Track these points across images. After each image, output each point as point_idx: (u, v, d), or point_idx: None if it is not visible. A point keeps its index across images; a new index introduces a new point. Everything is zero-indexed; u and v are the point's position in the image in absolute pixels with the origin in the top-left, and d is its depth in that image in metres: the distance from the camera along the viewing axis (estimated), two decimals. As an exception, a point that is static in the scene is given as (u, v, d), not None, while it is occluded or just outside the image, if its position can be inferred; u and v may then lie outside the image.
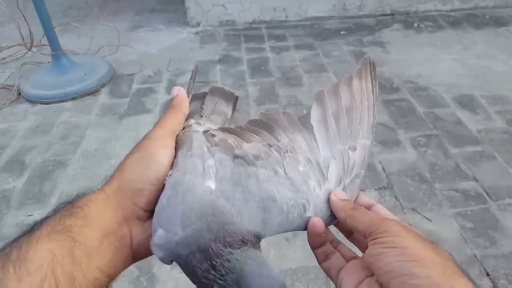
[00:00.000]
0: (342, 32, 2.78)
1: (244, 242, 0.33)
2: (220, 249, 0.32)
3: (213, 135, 0.40)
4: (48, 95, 2.14)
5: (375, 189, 1.50)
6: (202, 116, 0.45)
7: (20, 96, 2.22)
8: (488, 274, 1.19)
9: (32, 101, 2.16)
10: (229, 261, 0.31)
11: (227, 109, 0.48)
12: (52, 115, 2.05)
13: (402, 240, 0.31)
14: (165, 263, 0.34)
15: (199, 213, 0.33)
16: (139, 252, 0.35)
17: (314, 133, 0.43)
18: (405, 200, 1.45)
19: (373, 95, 0.46)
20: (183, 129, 0.42)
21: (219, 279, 0.31)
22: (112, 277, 0.32)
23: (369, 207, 0.39)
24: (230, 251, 0.32)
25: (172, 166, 0.36)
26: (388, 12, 2.96)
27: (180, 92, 0.43)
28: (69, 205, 0.32)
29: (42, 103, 2.14)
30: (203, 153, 0.37)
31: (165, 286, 1.18)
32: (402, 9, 2.97)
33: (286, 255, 1.24)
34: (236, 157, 0.37)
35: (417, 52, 2.46)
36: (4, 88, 2.28)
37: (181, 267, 0.33)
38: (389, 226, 0.33)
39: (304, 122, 0.44)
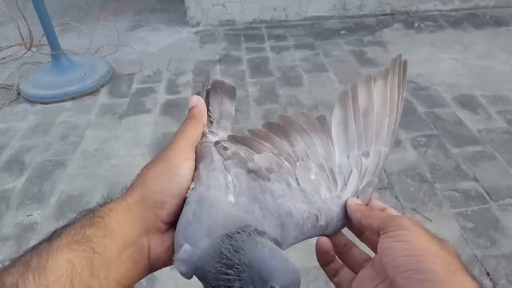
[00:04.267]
0: (342, 32, 2.78)
1: (257, 233, 0.33)
2: (229, 236, 0.32)
3: (225, 148, 0.39)
4: (48, 95, 2.14)
5: (375, 189, 1.49)
6: (212, 123, 0.44)
7: (20, 96, 2.21)
8: (488, 274, 1.19)
9: (32, 101, 2.16)
10: (236, 241, 0.31)
11: (232, 108, 0.47)
12: (52, 115, 2.04)
13: (410, 234, 0.32)
14: (186, 278, 0.34)
15: (224, 226, 0.33)
16: (155, 264, 0.35)
17: (332, 136, 0.42)
18: (405, 200, 1.44)
19: (398, 99, 0.44)
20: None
21: (226, 266, 0.30)
22: None
23: (381, 210, 0.40)
24: (237, 231, 0.32)
25: (193, 179, 0.36)
26: (389, 11, 2.96)
27: (200, 101, 0.42)
28: (90, 214, 0.32)
29: (41, 103, 2.14)
30: (224, 167, 0.37)
31: (165, 287, 1.18)
32: (402, 9, 2.96)
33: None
34: (249, 171, 0.37)
35: (418, 52, 2.46)
36: (4, 88, 2.27)
37: (200, 280, 0.33)
38: (400, 221, 0.33)
39: (322, 123, 0.43)
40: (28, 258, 0.28)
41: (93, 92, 2.20)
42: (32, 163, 1.72)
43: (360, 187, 0.41)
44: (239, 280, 0.30)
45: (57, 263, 0.27)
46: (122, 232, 0.32)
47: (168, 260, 0.35)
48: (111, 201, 0.34)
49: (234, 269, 0.30)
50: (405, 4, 2.95)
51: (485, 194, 1.45)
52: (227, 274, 0.30)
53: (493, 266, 1.21)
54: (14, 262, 0.28)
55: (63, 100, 2.14)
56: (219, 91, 0.46)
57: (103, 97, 2.18)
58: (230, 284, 0.30)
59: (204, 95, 0.45)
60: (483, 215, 1.37)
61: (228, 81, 0.47)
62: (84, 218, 0.32)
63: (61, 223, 1.42)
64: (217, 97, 0.46)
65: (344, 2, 2.90)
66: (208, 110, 0.44)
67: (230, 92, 0.47)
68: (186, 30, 2.89)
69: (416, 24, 2.83)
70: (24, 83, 2.25)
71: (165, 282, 1.19)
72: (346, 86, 0.45)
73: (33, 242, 1.36)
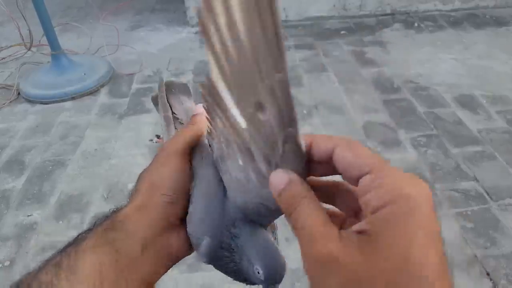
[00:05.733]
0: (342, 32, 2.78)
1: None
2: (232, 225, 0.34)
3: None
4: (48, 95, 2.14)
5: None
6: (181, 123, 0.45)
7: (20, 96, 2.21)
8: (488, 274, 1.19)
9: (32, 101, 2.16)
10: (235, 227, 0.34)
11: (192, 103, 0.48)
12: (52, 115, 2.04)
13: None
14: (207, 264, 0.37)
15: (225, 216, 0.35)
16: (177, 256, 0.37)
17: None
18: (405, 200, 1.44)
19: None
20: None
21: (226, 250, 0.34)
22: (152, 284, 0.35)
23: (329, 155, 0.27)
24: (238, 220, 0.34)
25: (192, 176, 0.38)
26: (389, 11, 2.96)
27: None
28: (108, 219, 0.35)
29: (41, 103, 2.14)
30: (214, 160, 0.38)
31: (165, 286, 1.18)
32: (402, 9, 2.96)
33: (286, 255, 1.23)
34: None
35: (418, 52, 2.46)
36: (4, 88, 2.27)
37: (214, 265, 0.36)
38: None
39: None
40: (59, 259, 0.30)
41: (93, 92, 2.20)
42: (32, 163, 1.72)
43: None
44: (233, 261, 0.33)
45: (85, 263, 0.30)
46: (141, 233, 0.34)
47: (187, 250, 0.37)
48: (122, 207, 0.36)
49: (230, 252, 0.33)
50: (405, 4, 2.95)
51: (485, 194, 1.45)
52: (225, 256, 0.34)
53: (493, 266, 1.21)
54: (47, 263, 0.30)
55: (63, 100, 2.14)
56: (174, 91, 0.48)
57: (103, 97, 2.18)
58: (227, 266, 0.34)
59: (165, 98, 0.46)
60: (483, 215, 1.37)
61: (177, 80, 0.49)
62: (104, 222, 0.34)
63: (61, 223, 1.42)
64: (175, 97, 0.48)
65: (344, 2, 2.90)
66: (172, 112, 0.45)
67: (184, 90, 0.49)
68: (186, 30, 2.89)
69: (416, 24, 2.83)
70: (24, 83, 2.25)
71: (165, 281, 1.19)
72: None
73: (33, 242, 1.36)
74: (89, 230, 0.34)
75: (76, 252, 0.31)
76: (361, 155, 0.26)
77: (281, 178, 0.27)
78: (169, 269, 0.37)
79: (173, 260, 0.37)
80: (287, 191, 0.26)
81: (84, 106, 2.11)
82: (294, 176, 0.27)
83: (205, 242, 0.35)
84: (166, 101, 0.46)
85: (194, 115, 0.42)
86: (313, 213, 0.25)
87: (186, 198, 0.37)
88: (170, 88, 0.47)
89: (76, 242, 0.32)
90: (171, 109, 0.45)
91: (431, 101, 2.00)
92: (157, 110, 0.49)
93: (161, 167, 0.38)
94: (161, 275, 0.36)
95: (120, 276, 0.31)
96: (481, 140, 1.72)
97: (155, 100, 0.49)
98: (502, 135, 1.75)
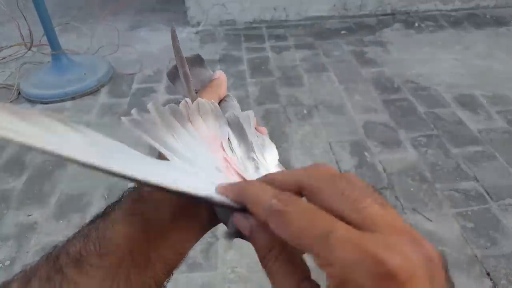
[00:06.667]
0: (342, 32, 2.78)
1: None
2: None
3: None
4: (48, 95, 2.14)
5: (375, 189, 1.49)
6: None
7: (20, 96, 2.21)
8: (488, 274, 1.19)
9: (32, 100, 2.16)
10: None
11: (210, 73, 0.46)
12: (52, 115, 2.04)
13: None
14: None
15: None
16: (206, 227, 0.36)
17: None
18: (405, 200, 1.44)
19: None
20: None
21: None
22: (183, 255, 0.34)
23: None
24: None
25: None
26: (389, 11, 2.96)
27: (222, 75, 0.43)
28: (135, 191, 0.34)
29: (42, 102, 2.14)
30: None
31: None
32: (402, 9, 2.96)
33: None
34: None
35: (418, 52, 2.46)
36: (4, 87, 2.28)
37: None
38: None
39: None
40: (87, 231, 0.30)
41: (93, 92, 2.20)
42: (32, 163, 1.72)
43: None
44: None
45: (114, 234, 0.29)
46: (169, 202, 0.33)
47: (217, 219, 0.36)
48: None
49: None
50: (406, 4, 2.95)
51: (485, 194, 1.45)
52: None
53: (493, 266, 1.21)
54: (75, 235, 0.30)
55: (63, 100, 2.14)
56: (188, 66, 0.43)
57: (103, 97, 2.18)
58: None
59: (180, 51, 0.41)
60: (483, 215, 1.37)
61: (190, 55, 0.46)
62: (132, 194, 0.33)
63: (61, 223, 1.42)
64: (190, 71, 0.43)
65: (344, 2, 2.90)
66: (189, 86, 0.40)
67: (199, 62, 0.47)
68: (187, 30, 2.89)
69: (416, 24, 2.83)
70: (25, 83, 2.25)
71: (165, 282, 1.19)
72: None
73: (33, 241, 1.36)
74: (117, 202, 0.33)
75: (104, 223, 0.30)
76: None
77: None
78: (199, 239, 0.36)
79: (203, 229, 0.36)
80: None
81: (84, 106, 2.11)
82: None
83: (231, 219, 0.34)
84: (182, 54, 0.41)
85: (212, 80, 0.42)
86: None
87: None
88: (186, 63, 0.43)
89: (104, 214, 0.32)
90: (188, 84, 0.41)
91: (431, 101, 2.00)
92: (175, 85, 0.46)
93: None
94: (192, 245, 0.35)
95: (151, 245, 0.30)
96: (481, 140, 1.72)
97: (171, 76, 0.47)
98: (502, 135, 1.75)
